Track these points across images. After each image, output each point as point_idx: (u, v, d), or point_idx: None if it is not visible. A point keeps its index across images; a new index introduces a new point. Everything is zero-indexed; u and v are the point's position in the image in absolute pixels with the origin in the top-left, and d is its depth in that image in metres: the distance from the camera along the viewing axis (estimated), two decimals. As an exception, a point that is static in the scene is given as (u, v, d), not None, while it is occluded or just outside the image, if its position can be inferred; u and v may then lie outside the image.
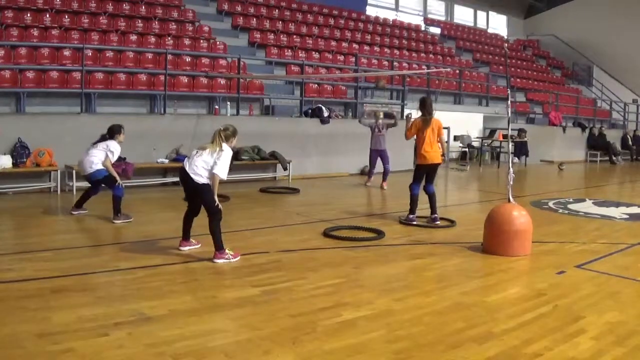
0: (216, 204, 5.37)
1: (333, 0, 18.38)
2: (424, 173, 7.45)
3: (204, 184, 5.38)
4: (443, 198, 9.97)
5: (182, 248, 5.64)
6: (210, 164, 5.37)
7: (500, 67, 20.40)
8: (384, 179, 10.96)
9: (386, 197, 10.04)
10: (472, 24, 25.36)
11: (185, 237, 5.69)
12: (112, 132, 7.19)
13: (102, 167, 7.03)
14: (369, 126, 11.03)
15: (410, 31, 20.29)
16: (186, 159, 5.59)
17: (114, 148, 7.07)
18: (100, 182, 7.18)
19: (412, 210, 7.49)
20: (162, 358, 3.23)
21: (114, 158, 7.10)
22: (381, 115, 11.08)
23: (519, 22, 27.41)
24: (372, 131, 10.95)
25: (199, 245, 5.70)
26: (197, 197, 5.50)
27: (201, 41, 13.07)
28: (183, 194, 5.74)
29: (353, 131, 12.62)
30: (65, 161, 8.93)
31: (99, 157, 7.01)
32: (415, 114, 7.78)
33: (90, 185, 7.37)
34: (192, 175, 5.36)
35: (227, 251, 5.35)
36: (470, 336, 3.69)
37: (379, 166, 11.11)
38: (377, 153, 11.00)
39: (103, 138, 7.19)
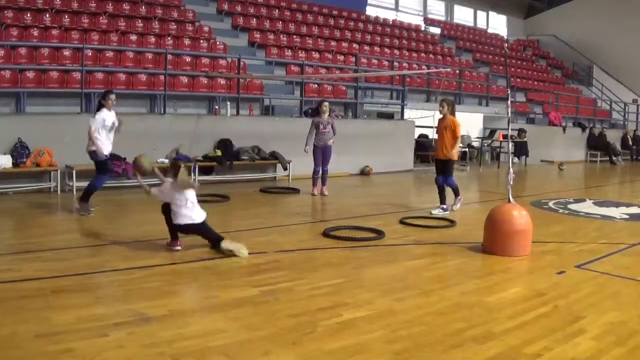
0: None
1: (333, 0, 18.38)
2: None
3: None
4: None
5: (175, 247, 5.60)
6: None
7: (500, 67, 20.39)
8: (323, 183, 9.76)
9: (386, 198, 10.02)
10: (472, 24, 25.36)
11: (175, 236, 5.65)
12: (99, 103, 7.36)
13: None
14: (316, 123, 9.59)
15: (410, 31, 20.28)
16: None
17: (96, 117, 7.19)
18: (95, 165, 7.27)
19: (459, 194, 8.40)
20: (162, 358, 3.23)
21: (93, 126, 7.14)
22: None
23: (519, 22, 27.41)
24: (317, 127, 9.61)
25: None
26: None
27: (201, 41, 13.07)
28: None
29: (353, 131, 12.63)
30: (65, 161, 8.93)
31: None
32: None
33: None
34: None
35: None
36: (470, 336, 3.69)
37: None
38: (321, 150, 9.70)
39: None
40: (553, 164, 17.73)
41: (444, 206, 8.20)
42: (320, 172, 9.76)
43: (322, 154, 9.72)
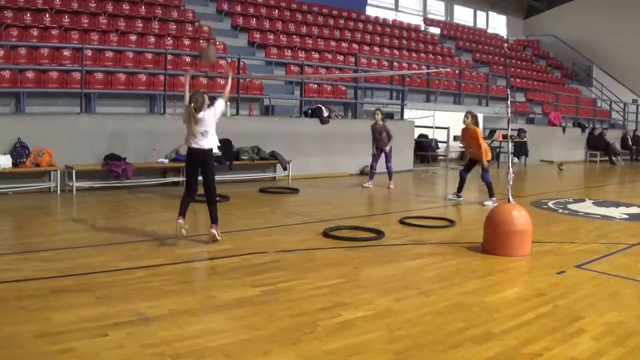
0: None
1: (333, 0, 18.38)
2: None
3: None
4: (443, 198, 9.98)
5: (178, 220, 5.83)
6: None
7: (500, 67, 20.39)
8: (389, 178, 10.97)
9: (386, 198, 10.03)
10: (472, 24, 25.36)
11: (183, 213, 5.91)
12: None
13: None
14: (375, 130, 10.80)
15: (410, 31, 20.28)
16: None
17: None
18: None
19: (493, 193, 9.21)
20: (161, 358, 3.23)
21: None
22: None
23: (518, 22, 27.41)
24: (374, 133, 10.84)
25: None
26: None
27: (201, 41, 13.06)
28: (182, 193, 5.80)
29: (353, 131, 12.64)
30: (65, 161, 8.93)
31: None
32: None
33: None
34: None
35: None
36: (470, 336, 3.69)
37: (381, 166, 11.06)
38: (380, 151, 10.94)
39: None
40: (553, 164, 17.73)
41: (494, 198, 9.13)
42: (375, 168, 10.94)
43: (380, 153, 10.81)
